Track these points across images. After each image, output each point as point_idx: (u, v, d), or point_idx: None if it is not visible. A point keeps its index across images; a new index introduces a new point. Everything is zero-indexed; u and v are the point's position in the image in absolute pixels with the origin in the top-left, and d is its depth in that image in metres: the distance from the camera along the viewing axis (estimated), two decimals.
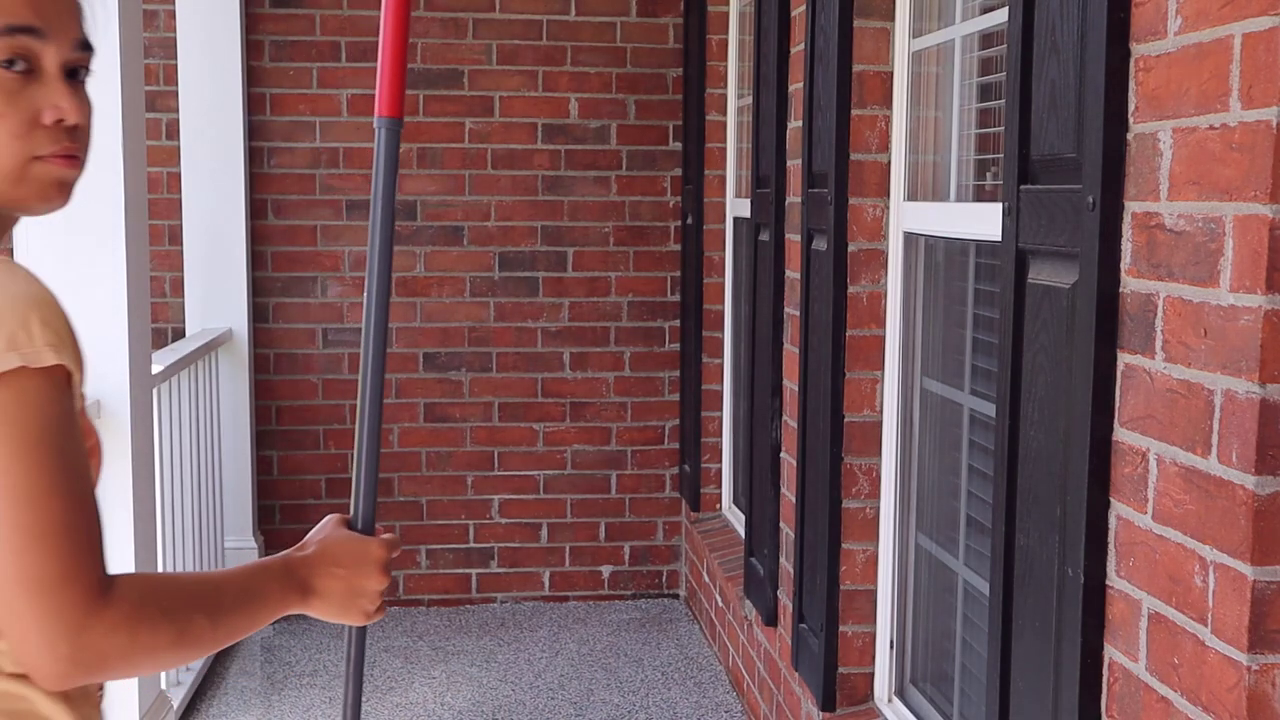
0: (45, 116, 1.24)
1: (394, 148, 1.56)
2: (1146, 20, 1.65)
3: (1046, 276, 1.89)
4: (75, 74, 1.30)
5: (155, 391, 3.69)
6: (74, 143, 1.31)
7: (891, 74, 3.04)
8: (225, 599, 1.28)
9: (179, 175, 4.87)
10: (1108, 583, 1.76)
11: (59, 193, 1.31)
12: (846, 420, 3.10)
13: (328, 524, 1.48)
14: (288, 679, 4.40)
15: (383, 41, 1.56)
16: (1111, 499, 1.74)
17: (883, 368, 3.09)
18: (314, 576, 1.38)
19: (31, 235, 3.13)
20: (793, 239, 3.46)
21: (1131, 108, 1.69)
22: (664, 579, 5.32)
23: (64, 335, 1.15)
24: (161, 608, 1.19)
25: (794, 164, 3.45)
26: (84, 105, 1.31)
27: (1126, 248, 1.70)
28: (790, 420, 3.50)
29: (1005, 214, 2.02)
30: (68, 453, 1.13)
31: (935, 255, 2.96)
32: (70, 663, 1.12)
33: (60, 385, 1.14)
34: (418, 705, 4.19)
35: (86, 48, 1.30)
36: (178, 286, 5.00)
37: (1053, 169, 1.89)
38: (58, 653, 1.11)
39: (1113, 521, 1.74)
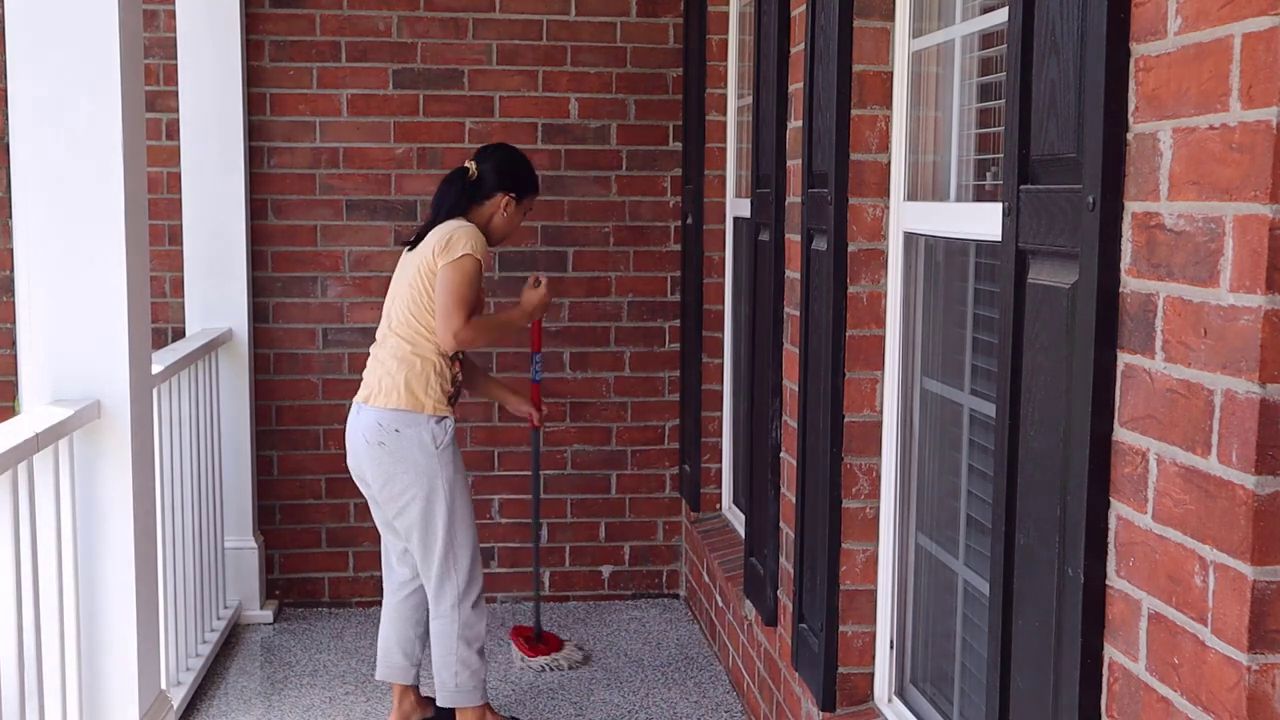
0: None
1: None
2: (1146, 20, 1.65)
3: (1046, 276, 1.90)
4: None
5: (155, 391, 3.69)
6: None
7: (891, 74, 3.04)
8: (508, 330, 4.14)
9: (179, 175, 4.87)
10: (1108, 583, 1.76)
11: None
12: (846, 420, 3.10)
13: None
14: (288, 679, 4.40)
15: None
16: (1111, 499, 1.75)
17: (883, 368, 3.09)
18: (517, 311, 3.96)
19: (32, 235, 3.14)
20: (793, 239, 3.46)
21: (1131, 108, 1.69)
22: (664, 579, 5.32)
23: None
24: (484, 331, 3.75)
25: (794, 164, 3.45)
26: None
27: (1126, 248, 1.70)
28: (790, 420, 3.50)
29: (1005, 214, 2.03)
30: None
31: (935, 255, 2.96)
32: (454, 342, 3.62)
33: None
34: None
35: None
36: (178, 286, 5.00)
37: (1053, 169, 1.89)
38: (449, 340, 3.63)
39: (1113, 521, 1.74)
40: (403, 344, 3.68)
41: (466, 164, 3.87)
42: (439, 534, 3.70)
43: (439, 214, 3.79)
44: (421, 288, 3.66)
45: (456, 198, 3.79)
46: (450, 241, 3.64)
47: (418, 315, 3.67)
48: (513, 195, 3.85)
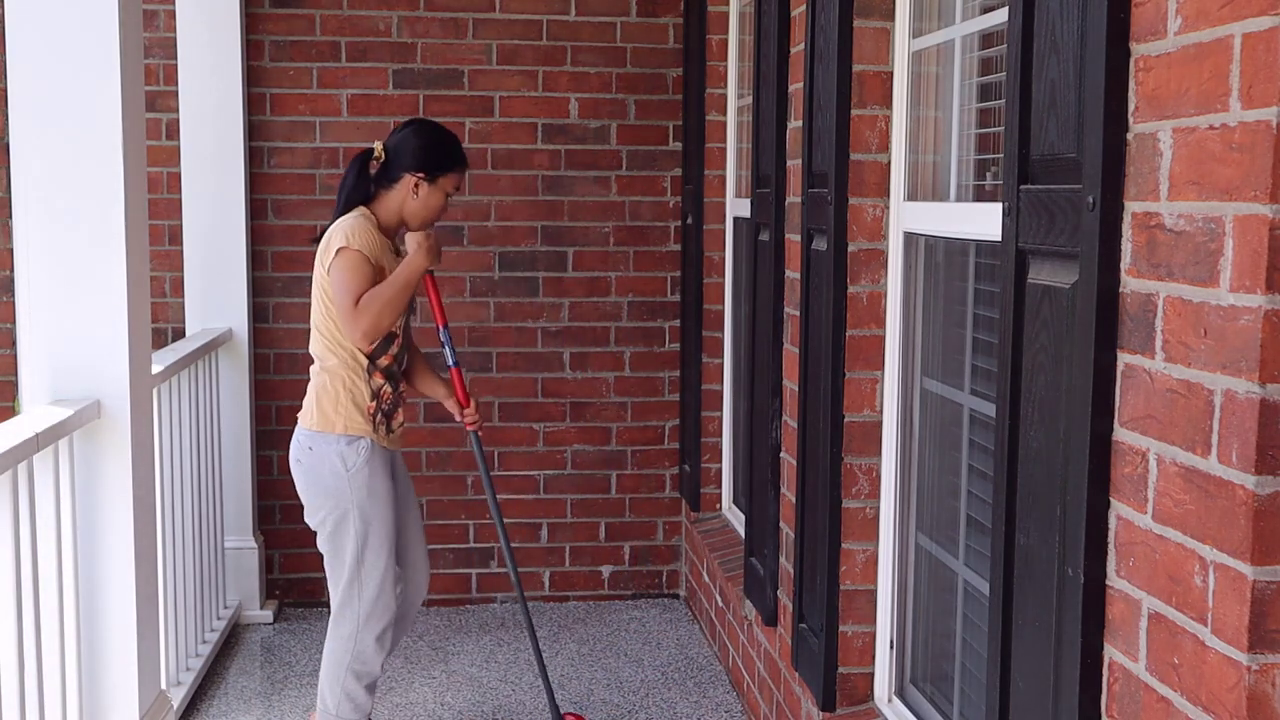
0: None
1: None
2: (1146, 20, 1.65)
3: (1046, 276, 1.90)
4: None
5: (155, 391, 3.69)
6: None
7: (891, 74, 3.04)
8: (400, 294, 3.38)
9: (179, 175, 4.87)
10: (1108, 583, 1.76)
11: None
12: (846, 420, 3.10)
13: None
14: (288, 679, 4.39)
15: None
16: (1111, 499, 1.75)
17: (883, 368, 3.09)
18: (418, 266, 3.43)
19: (33, 235, 3.13)
20: (793, 239, 3.46)
21: (1131, 108, 1.69)
22: (664, 579, 5.32)
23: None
24: (373, 307, 3.32)
25: (794, 164, 3.45)
26: None
27: (1126, 247, 1.70)
28: (790, 420, 3.50)
29: (1005, 214, 2.03)
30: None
31: (935, 255, 2.96)
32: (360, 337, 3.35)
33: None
34: (418, 705, 4.19)
35: None
36: (178, 286, 5.00)
37: (1053, 169, 1.89)
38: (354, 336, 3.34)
39: (1113, 521, 1.74)
40: (315, 361, 3.50)
41: (374, 145, 3.54)
42: (346, 560, 3.45)
43: (339, 205, 3.50)
44: (318, 298, 3.44)
45: (355, 183, 3.48)
46: (328, 243, 3.38)
47: (320, 326, 3.44)
48: (422, 175, 3.46)
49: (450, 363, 3.70)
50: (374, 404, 3.45)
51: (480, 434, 3.83)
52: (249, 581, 4.93)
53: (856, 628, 3.14)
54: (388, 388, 3.49)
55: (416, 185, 3.47)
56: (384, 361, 3.48)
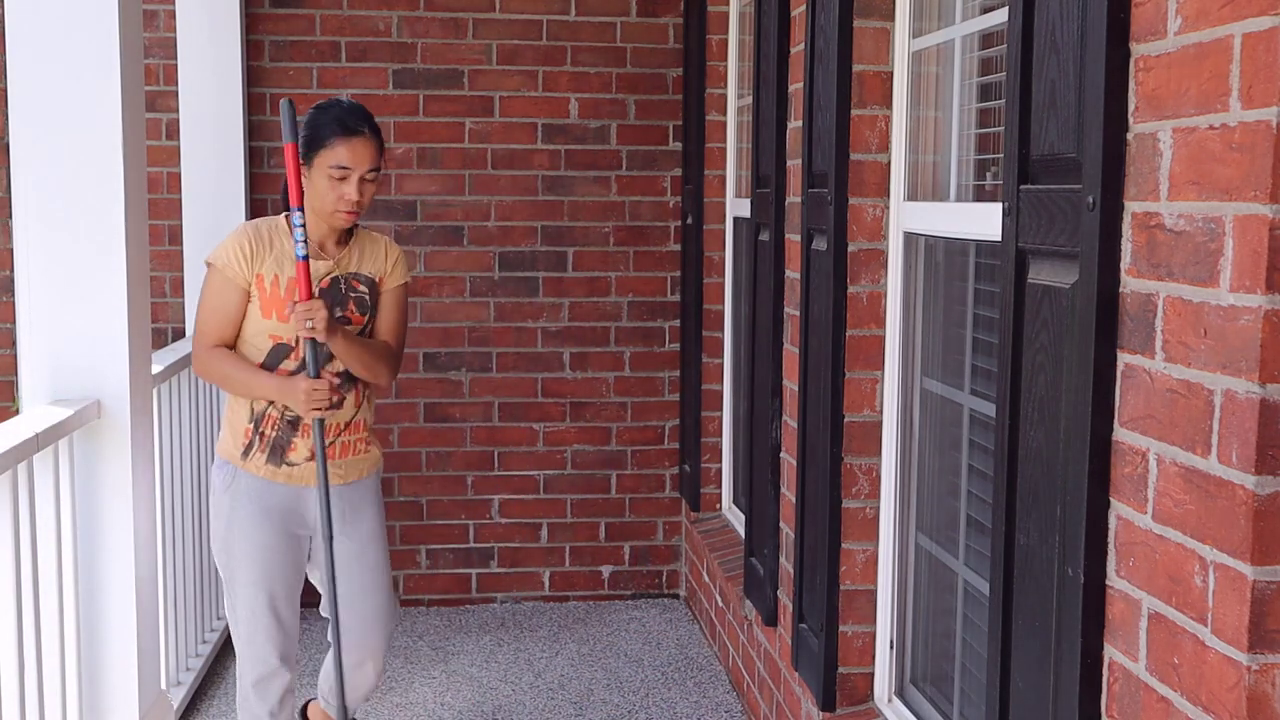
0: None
1: None
2: (1146, 20, 1.65)
3: (1046, 276, 1.90)
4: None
5: (155, 391, 3.69)
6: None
7: (891, 74, 3.04)
8: (239, 387, 3.04)
9: (179, 175, 4.87)
10: (1108, 583, 1.76)
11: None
12: (846, 420, 3.10)
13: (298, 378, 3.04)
14: None
15: None
16: (1111, 499, 1.75)
17: (883, 368, 3.09)
18: (275, 392, 3.02)
19: (33, 235, 3.13)
20: (793, 239, 3.46)
21: (1131, 108, 1.69)
22: (664, 579, 5.32)
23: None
24: (214, 373, 3.04)
25: (794, 164, 3.45)
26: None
27: (1126, 247, 1.70)
28: (790, 420, 3.50)
29: (1005, 214, 2.03)
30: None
31: (935, 255, 2.96)
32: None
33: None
34: (418, 705, 4.19)
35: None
36: (178, 286, 5.00)
37: (1053, 169, 1.89)
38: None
39: (1113, 521, 1.74)
40: None
41: None
42: (225, 588, 3.17)
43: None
44: None
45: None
46: None
47: None
48: (300, 162, 3.01)
49: (299, 255, 2.97)
50: (251, 427, 3.07)
51: (316, 342, 3.00)
52: None
53: (856, 628, 3.14)
54: (274, 412, 3.05)
55: (299, 175, 3.00)
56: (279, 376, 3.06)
